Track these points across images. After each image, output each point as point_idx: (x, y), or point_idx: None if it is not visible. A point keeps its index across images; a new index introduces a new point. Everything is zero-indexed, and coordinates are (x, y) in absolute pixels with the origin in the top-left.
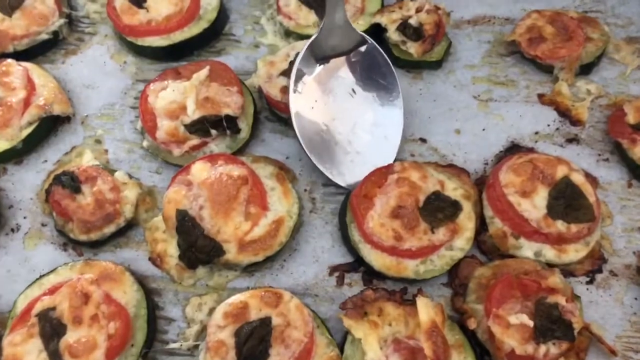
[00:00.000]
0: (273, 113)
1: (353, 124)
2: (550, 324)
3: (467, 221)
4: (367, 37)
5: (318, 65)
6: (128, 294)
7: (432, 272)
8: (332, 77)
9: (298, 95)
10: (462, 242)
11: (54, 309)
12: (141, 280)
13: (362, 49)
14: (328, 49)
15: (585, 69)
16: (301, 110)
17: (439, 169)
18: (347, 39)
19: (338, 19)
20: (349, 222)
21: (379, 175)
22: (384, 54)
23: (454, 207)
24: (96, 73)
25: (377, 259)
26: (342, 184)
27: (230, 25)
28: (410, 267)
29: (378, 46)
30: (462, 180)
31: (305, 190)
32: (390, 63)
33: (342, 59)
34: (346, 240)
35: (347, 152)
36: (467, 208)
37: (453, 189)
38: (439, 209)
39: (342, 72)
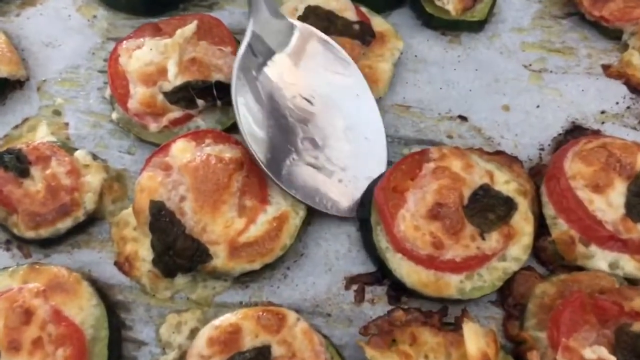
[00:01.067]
0: None
1: (323, 137)
2: (637, 358)
3: (524, 223)
4: (294, 20)
5: (259, 77)
6: (85, 310)
7: (481, 289)
8: (280, 87)
9: (247, 118)
10: (518, 251)
11: None
12: (104, 291)
13: (295, 36)
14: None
15: None
16: (256, 135)
17: (485, 156)
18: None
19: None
20: (375, 223)
21: (412, 164)
22: (321, 34)
23: (508, 206)
24: (58, 29)
25: (410, 274)
26: (344, 214)
27: None
28: (453, 284)
29: (309, 26)
30: (514, 172)
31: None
32: (330, 40)
33: (285, 59)
34: (369, 246)
35: (330, 173)
36: (523, 207)
37: (504, 182)
38: (489, 208)
39: (288, 77)
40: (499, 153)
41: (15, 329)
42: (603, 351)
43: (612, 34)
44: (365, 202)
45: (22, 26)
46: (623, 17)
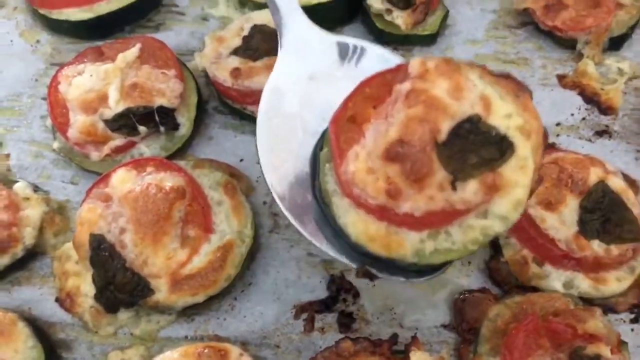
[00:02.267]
0: (223, 103)
1: None
2: None
3: (518, 173)
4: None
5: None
6: (20, 353)
7: (446, 253)
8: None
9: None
10: (506, 207)
11: None
12: (45, 330)
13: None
14: None
15: (616, 43)
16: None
17: (488, 77)
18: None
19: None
20: (324, 160)
21: (380, 86)
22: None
23: (501, 147)
24: (0, 55)
25: (356, 224)
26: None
27: None
28: (410, 242)
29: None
30: (522, 104)
31: (265, 202)
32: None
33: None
34: (316, 193)
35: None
36: (523, 151)
37: (505, 116)
38: (472, 148)
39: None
40: (507, 76)
41: None
42: None
43: (567, 44)
44: (321, 139)
45: None
46: (576, 27)
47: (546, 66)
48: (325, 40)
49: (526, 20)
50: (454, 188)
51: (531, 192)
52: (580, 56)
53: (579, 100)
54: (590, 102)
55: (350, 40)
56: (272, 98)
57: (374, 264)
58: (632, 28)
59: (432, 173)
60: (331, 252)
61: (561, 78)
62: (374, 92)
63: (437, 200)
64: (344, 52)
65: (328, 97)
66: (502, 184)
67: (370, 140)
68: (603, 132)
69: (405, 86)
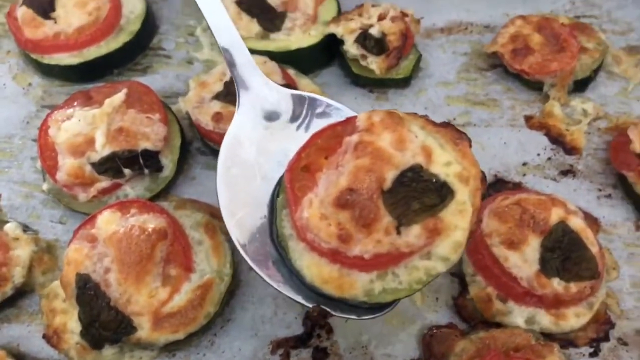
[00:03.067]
0: (205, 144)
1: None
2: None
3: (458, 216)
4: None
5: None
6: None
7: (394, 292)
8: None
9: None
10: (447, 249)
11: None
12: None
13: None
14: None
15: (580, 85)
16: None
17: (429, 127)
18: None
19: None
20: (281, 206)
21: (331, 137)
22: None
23: (440, 193)
24: None
25: (310, 266)
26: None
27: (159, 38)
28: (361, 283)
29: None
30: (460, 152)
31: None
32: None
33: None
34: (274, 237)
35: None
36: (462, 196)
37: (444, 164)
38: (415, 195)
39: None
40: (446, 125)
41: None
42: None
43: (534, 86)
44: (277, 186)
45: None
46: (542, 70)
47: (514, 107)
48: (279, 93)
49: (495, 63)
50: (398, 232)
51: (471, 233)
52: (546, 98)
53: (545, 140)
54: (555, 143)
55: (303, 93)
56: (230, 148)
57: (328, 304)
58: (596, 71)
59: (378, 219)
60: (288, 293)
61: (528, 119)
62: (325, 143)
63: (383, 243)
64: (297, 104)
65: (284, 146)
66: (442, 227)
67: (322, 188)
68: (567, 172)
69: (354, 138)
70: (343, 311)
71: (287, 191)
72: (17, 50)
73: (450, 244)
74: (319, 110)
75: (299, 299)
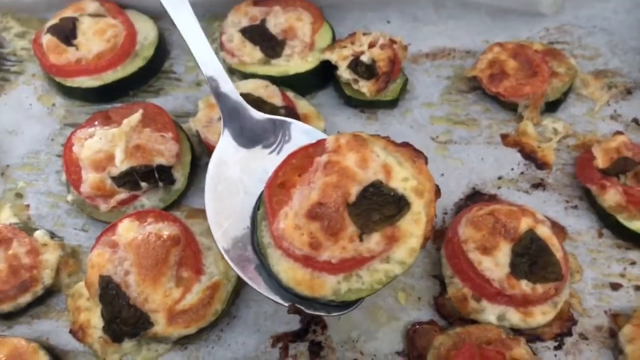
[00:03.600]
0: None
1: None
2: None
3: (412, 225)
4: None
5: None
6: None
7: (358, 292)
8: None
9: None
10: (403, 254)
11: None
12: (60, 357)
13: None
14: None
15: (552, 106)
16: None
17: (390, 147)
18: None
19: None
20: (261, 218)
21: (304, 157)
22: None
23: (397, 206)
24: (20, 117)
25: (286, 270)
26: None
27: (170, 62)
28: (329, 284)
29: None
30: (417, 168)
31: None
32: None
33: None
34: (255, 245)
35: None
36: (417, 207)
37: (402, 179)
38: (375, 207)
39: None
40: (406, 145)
41: None
42: None
43: (510, 107)
44: (258, 201)
45: None
46: (516, 93)
47: (491, 126)
48: (259, 118)
49: (475, 86)
50: (361, 240)
51: (426, 240)
52: (520, 118)
53: (518, 156)
54: (528, 158)
55: (279, 118)
56: (217, 167)
57: (302, 302)
58: (565, 93)
59: (344, 228)
60: (267, 294)
61: (504, 137)
62: (299, 162)
63: (348, 250)
64: (276, 127)
65: (264, 165)
66: (399, 235)
67: (296, 202)
68: (538, 185)
69: (323, 159)
70: (315, 309)
71: (266, 205)
72: (41, 74)
73: (406, 250)
74: (294, 133)
75: (277, 298)
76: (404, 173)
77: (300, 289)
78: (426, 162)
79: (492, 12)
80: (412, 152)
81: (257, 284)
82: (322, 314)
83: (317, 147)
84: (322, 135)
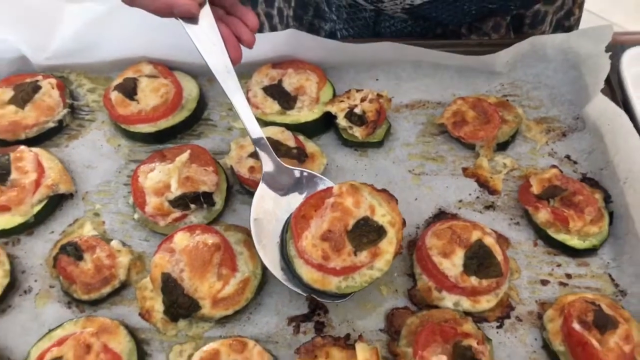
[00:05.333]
0: (243, 187)
1: None
2: None
3: (388, 245)
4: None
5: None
6: (122, 344)
7: (352, 287)
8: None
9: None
10: (382, 264)
11: (61, 358)
12: (133, 332)
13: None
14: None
15: (502, 146)
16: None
17: (374, 192)
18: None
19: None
20: (288, 238)
21: (318, 198)
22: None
23: (378, 233)
24: (94, 155)
25: (306, 273)
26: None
27: (208, 112)
28: (334, 283)
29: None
30: (391, 207)
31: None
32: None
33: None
34: (284, 255)
35: None
36: (391, 234)
37: (382, 215)
38: (364, 234)
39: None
40: (384, 191)
41: (81, 356)
42: (444, 358)
43: (469, 146)
44: (286, 225)
45: (70, 154)
46: (474, 136)
47: (455, 161)
48: (287, 170)
49: (443, 130)
50: (355, 255)
51: (396, 254)
52: (477, 155)
53: (475, 185)
54: (482, 186)
55: (301, 170)
56: (258, 203)
57: (315, 293)
58: (513, 136)
59: (344, 247)
60: (291, 287)
61: (464, 170)
62: (314, 202)
63: (347, 261)
64: (298, 177)
65: (289, 201)
66: (379, 252)
67: (313, 229)
68: (490, 207)
69: (331, 200)
70: (323, 298)
71: (292, 230)
72: (109, 121)
73: (384, 261)
74: (312, 181)
75: (299, 290)
76: (382, 211)
77: (315, 285)
78: (397, 202)
79: (459, 71)
80: (388, 196)
81: (285, 281)
82: (328, 301)
83: (327, 192)
84: (331, 184)
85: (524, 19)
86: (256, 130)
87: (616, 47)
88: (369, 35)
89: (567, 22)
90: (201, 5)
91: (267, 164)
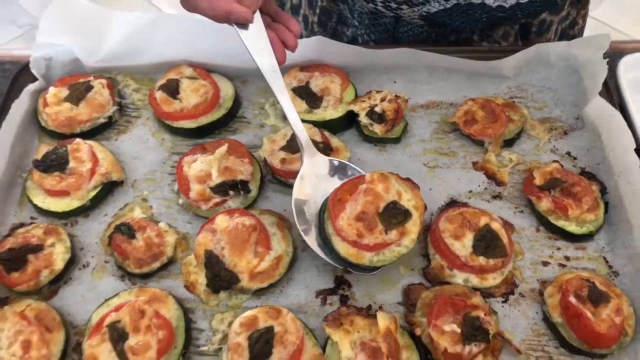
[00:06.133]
0: (274, 177)
1: None
2: (473, 330)
3: (413, 226)
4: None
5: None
6: (171, 311)
7: (383, 261)
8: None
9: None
10: (408, 242)
11: (119, 321)
12: (180, 302)
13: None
14: None
15: (509, 143)
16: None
17: (400, 180)
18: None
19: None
20: (326, 218)
21: (352, 184)
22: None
23: (405, 215)
24: (141, 147)
25: (343, 249)
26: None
27: (242, 110)
28: (367, 257)
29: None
30: (414, 193)
31: (298, 235)
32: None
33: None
34: (322, 233)
35: None
36: (415, 216)
37: (407, 200)
38: (393, 216)
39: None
40: (408, 180)
41: (136, 320)
42: (454, 326)
43: (479, 143)
44: (324, 206)
45: (119, 147)
46: (483, 134)
47: (466, 156)
48: (323, 160)
49: (455, 128)
50: (386, 233)
51: (419, 234)
52: (486, 150)
53: (483, 177)
54: (490, 179)
55: (336, 160)
56: (297, 187)
57: (349, 266)
58: (518, 134)
59: (376, 226)
60: (329, 260)
61: (474, 164)
62: (349, 188)
63: (378, 239)
64: (332, 166)
65: (324, 186)
66: (406, 231)
67: (348, 211)
68: (496, 196)
69: (364, 186)
70: (356, 270)
71: (329, 211)
72: (153, 117)
73: (410, 240)
74: (344, 169)
75: (335, 263)
76: (408, 196)
77: (351, 259)
78: (419, 190)
79: (470, 76)
80: (412, 184)
81: (323, 254)
82: (360, 273)
83: (360, 179)
84: (362, 172)
85: (531, 27)
86: (298, 124)
87: (615, 54)
88: (389, 40)
89: (571, 31)
90: (254, 13)
91: (307, 152)
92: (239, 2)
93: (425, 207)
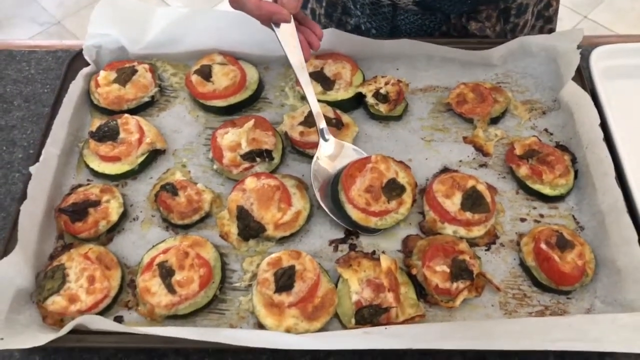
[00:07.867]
0: (294, 148)
1: None
2: (460, 271)
3: (407, 198)
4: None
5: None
6: (209, 254)
7: (384, 225)
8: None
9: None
10: (404, 210)
11: (167, 261)
12: (216, 247)
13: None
14: None
15: (494, 120)
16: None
17: (395, 163)
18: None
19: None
20: (340, 189)
21: (361, 164)
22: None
23: (401, 189)
24: (179, 123)
25: (354, 214)
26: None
27: (265, 92)
28: (373, 221)
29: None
30: (406, 173)
31: (314, 195)
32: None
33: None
34: (335, 201)
35: None
36: (409, 191)
37: (402, 178)
38: (393, 189)
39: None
40: (401, 162)
41: (181, 260)
42: (444, 267)
43: (469, 120)
44: (337, 179)
45: (160, 122)
46: (472, 112)
47: (457, 132)
48: (336, 141)
49: (449, 108)
50: (388, 203)
51: (412, 204)
52: (475, 127)
53: (472, 149)
54: (478, 150)
55: (346, 142)
56: (315, 164)
57: (357, 227)
58: (503, 113)
59: (380, 197)
60: (340, 222)
61: (465, 138)
62: (358, 166)
63: (382, 207)
64: (343, 147)
65: (336, 164)
66: (402, 202)
67: (358, 184)
68: (483, 165)
69: (370, 165)
70: (364, 231)
71: (342, 184)
72: (189, 98)
73: (405, 209)
74: (351, 150)
75: (345, 225)
76: (403, 174)
77: (360, 222)
78: (411, 170)
79: (463, 64)
80: (405, 166)
81: (336, 217)
82: (367, 233)
83: (367, 159)
84: (366, 154)
85: (510, 10)
86: (320, 116)
87: (588, 46)
88: (388, 27)
89: (546, 12)
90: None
91: (324, 134)
92: (282, 5)
93: (416, 184)
